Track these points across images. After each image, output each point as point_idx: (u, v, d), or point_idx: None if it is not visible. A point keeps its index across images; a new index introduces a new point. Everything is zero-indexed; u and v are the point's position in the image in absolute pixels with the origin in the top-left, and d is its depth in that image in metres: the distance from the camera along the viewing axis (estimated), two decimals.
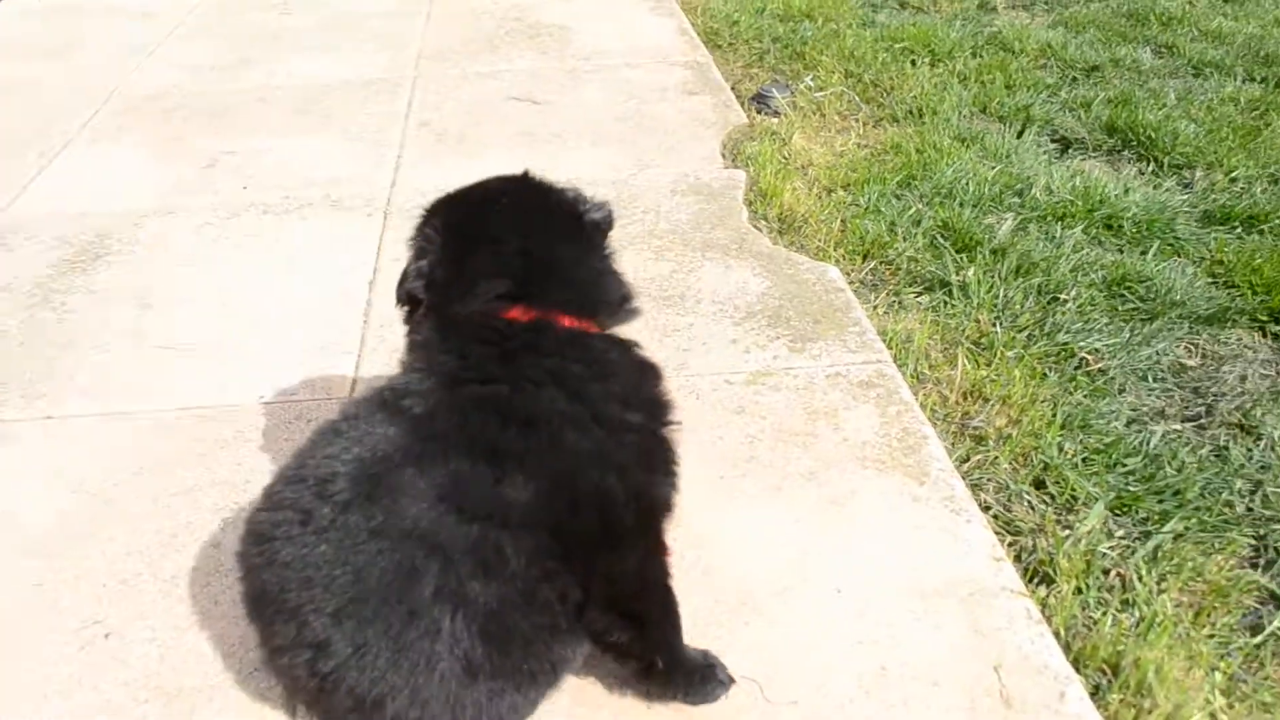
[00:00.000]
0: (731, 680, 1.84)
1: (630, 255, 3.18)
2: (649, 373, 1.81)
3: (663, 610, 1.77)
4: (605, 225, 1.91)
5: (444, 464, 1.57)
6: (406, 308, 1.86)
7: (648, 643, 1.75)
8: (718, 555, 2.12)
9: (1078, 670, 1.91)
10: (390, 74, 4.71)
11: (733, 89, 4.54)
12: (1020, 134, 4.18)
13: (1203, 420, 2.67)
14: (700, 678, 1.83)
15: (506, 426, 1.60)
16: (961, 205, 3.55)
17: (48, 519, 2.31)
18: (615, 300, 1.87)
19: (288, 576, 1.55)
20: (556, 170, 3.61)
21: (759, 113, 4.33)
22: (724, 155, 3.86)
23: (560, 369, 1.68)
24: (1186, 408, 2.73)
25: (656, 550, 1.74)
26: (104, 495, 2.37)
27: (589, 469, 1.62)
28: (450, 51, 4.92)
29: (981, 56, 4.94)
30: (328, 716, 1.62)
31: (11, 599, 2.11)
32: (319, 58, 4.97)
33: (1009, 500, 2.37)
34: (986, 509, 2.30)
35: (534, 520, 1.56)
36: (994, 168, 3.82)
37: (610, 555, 1.66)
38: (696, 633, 1.94)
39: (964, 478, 2.34)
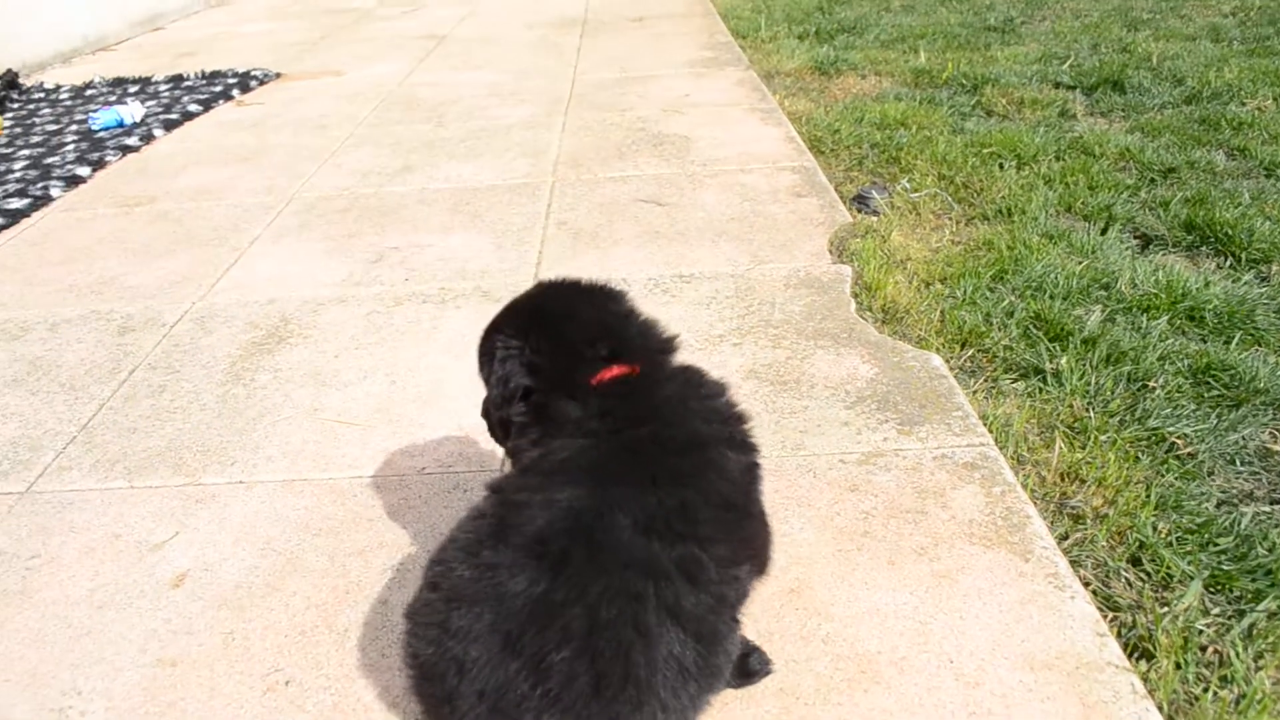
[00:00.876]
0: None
1: (749, 343, 3.18)
2: (726, 388, 1.90)
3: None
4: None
5: (636, 500, 1.62)
6: (521, 404, 1.87)
7: None
8: (837, 625, 2.07)
9: None
10: (531, 179, 4.81)
11: (836, 190, 4.53)
12: (1104, 231, 4.09)
13: None
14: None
15: (670, 456, 1.68)
16: (1051, 298, 3.47)
17: (239, 574, 2.37)
18: (669, 342, 1.93)
19: (526, 628, 1.54)
20: (682, 264, 3.68)
21: (859, 212, 4.31)
22: (831, 251, 3.84)
23: (680, 400, 1.78)
24: (1274, 490, 2.61)
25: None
26: (287, 554, 2.42)
27: (738, 477, 1.73)
28: (584, 159, 5.00)
29: (1064, 160, 4.86)
30: None
31: (208, 647, 2.15)
32: (469, 164, 5.10)
33: (1107, 577, 2.28)
34: (1086, 585, 2.21)
35: (719, 531, 1.65)
36: (1080, 263, 3.73)
37: (759, 544, 1.82)
38: (819, 698, 1.90)
39: (1064, 555, 2.27)
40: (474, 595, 1.60)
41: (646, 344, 1.88)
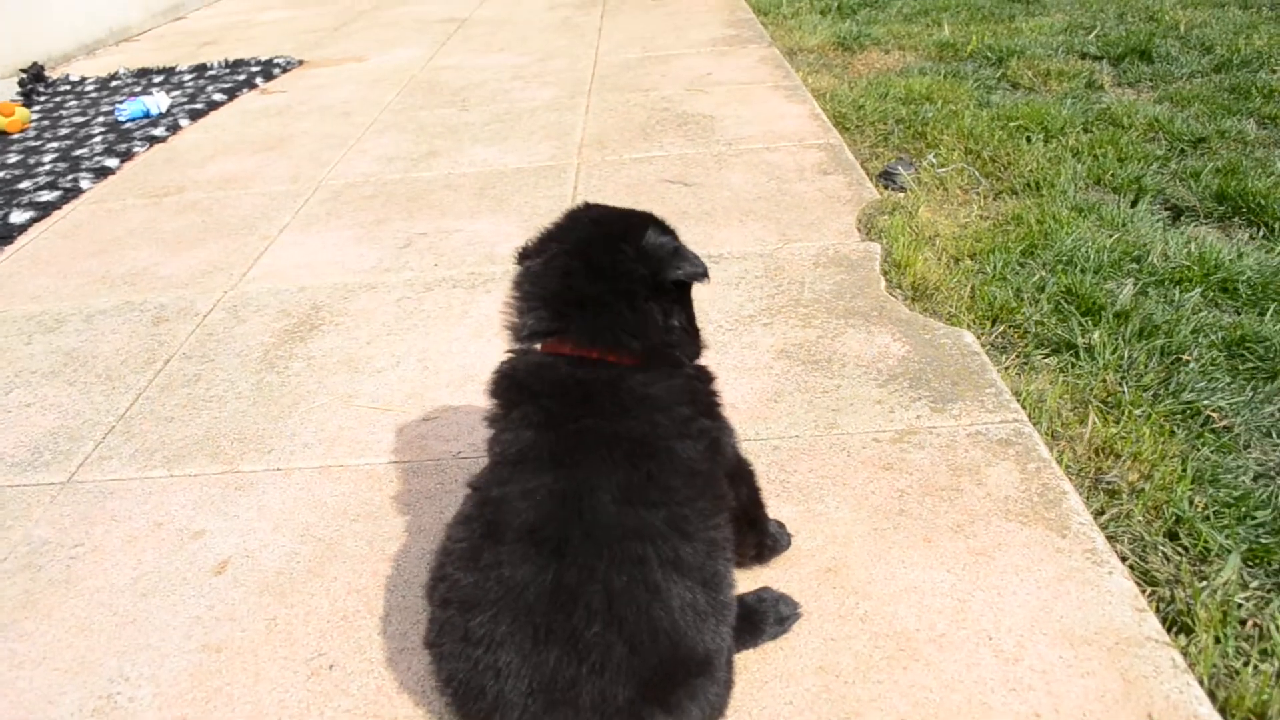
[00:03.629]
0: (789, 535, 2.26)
1: (779, 323, 3.17)
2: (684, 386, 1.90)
3: (761, 507, 2.13)
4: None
5: (607, 477, 1.67)
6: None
7: (761, 533, 2.15)
8: (874, 602, 2.08)
9: (1225, 718, 1.82)
10: (556, 161, 4.80)
11: (862, 167, 4.51)
12: (1134, 204, 4.05)
13: None
14: (782, 534, 2.23)
15: (616, 446, 1.73)
16: (1083, 272, 3.45)
17: (279, 560, 2.39)
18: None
19: (551, 616, 1.58)
20: (709, 244, 3.67)
21: (886, 189, 4.29)
22: (859, 229, 3.82)
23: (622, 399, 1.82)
24: None
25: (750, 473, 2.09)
26: (326, 540, 2.44)
27: (694, 454, 1.78)
28: (608, 140, 4.99)
29: (1092, 132, 4.81)
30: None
31: (252, 633, 2.18)
32: (494, 148, 5.10)
33: (1144, 552, 2.27)
34: (1124, 560, 2.21)
35: (691, 492, 1.72)
36: (1111, 236, 3.70)
37: (739, 489, 1.98)
38: (857, 675, 1.91)
39: (1101, 530, 2.26)
40: (486, 599, 1.63)
41: (597, 330, 1.85)
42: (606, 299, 1.84)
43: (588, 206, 2.02)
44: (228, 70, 7.67)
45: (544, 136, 5.20)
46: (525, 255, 1.94)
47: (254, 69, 7.56)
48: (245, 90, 7.08)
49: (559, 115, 5.56)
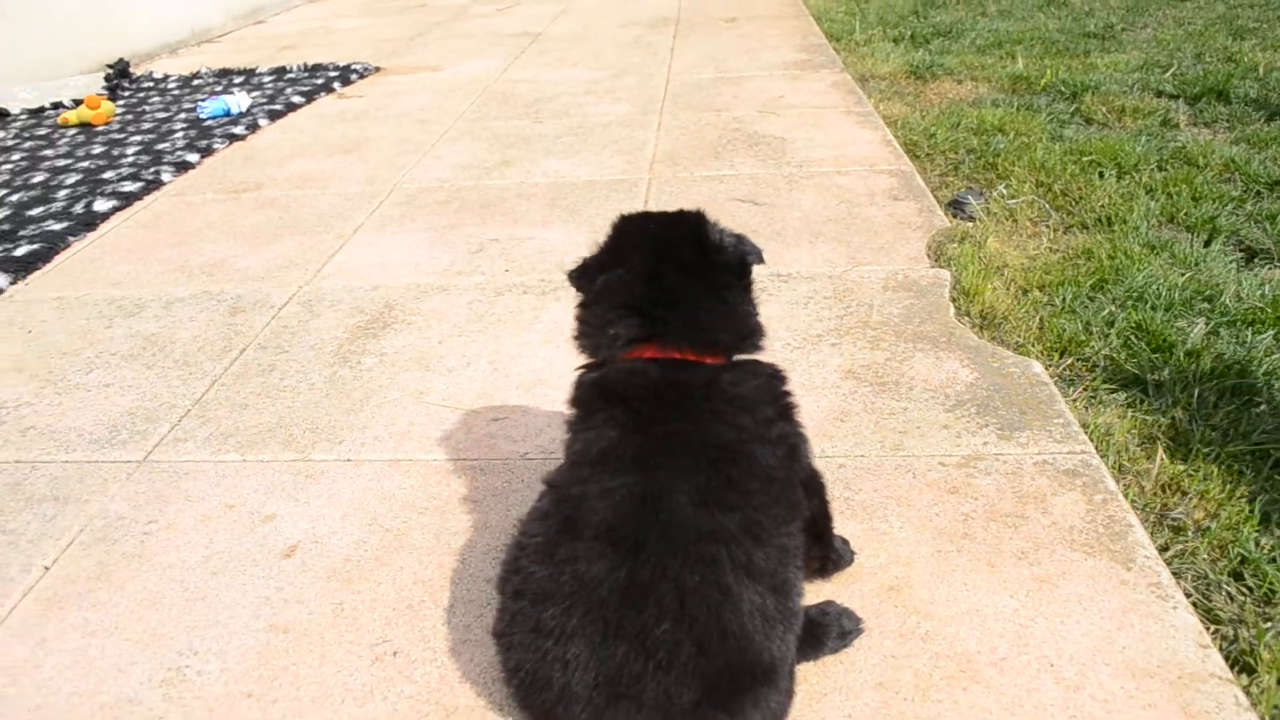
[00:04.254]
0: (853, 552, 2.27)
1: (847, 343, 3.19)
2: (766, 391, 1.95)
3: (828, 520, 2.14)
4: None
5: (686, 480, 1.72)
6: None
7: (826, 546, 2.15)
8: (936, 623, 2.08)
9: None
10: (628, 175, 4.86)
11: (932, 195, 4.51)
12: (1208, 243, 4.01)
13: None
14: (846, 550, 2.23)
15: (702, 451, 1.78)
16: (1153, 309, 3.42)
17: (347, 548, 2.45)
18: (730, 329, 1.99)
19: (623, 612, 1.62)
20: (778, 264, 3.69)
21: (955, 217, 4.29)
22: (929, 255, 3.83)
23: (711, 400, 1.87)
24: None
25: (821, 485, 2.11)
26: (394, 530, 2.49)
27: (773, 461, 1.82)
28: (680, 157, 5.04)
29: (1166, 170, 4.77)
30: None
31: (319, 616, 2.23)
32: (566, 160, 5.17)
33: (1208, 590, 2.26)
34: (1188, 596, 2.19)
35: (767, 498, 1.75)
36: (1183, 274, 3.67)
37: (810, 499, 2.00)
38: (917, 695, 1.91)
39: (1166, 565, 2.25)
40: (560, 592, 1.67)
41: (694, 329, 1.91)
42: (699, 296, 1.89)
43: (629, 217, 2.07)
44: (306, 74, 7.84)
45: (616, 151, 5.26)
46: (586, 273, 1.99)
47: (332, 74, 7.72)
48: (323, 94, 7.23)
49: (631, 131, 5.62)
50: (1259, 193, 4.52)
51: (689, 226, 1.99)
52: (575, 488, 1.78)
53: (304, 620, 2.23)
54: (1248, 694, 1.93)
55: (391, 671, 2.07)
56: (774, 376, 1.96)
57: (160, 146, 5.99)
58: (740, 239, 1.97)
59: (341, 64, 8.04)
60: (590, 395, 1.93)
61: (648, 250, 1.94)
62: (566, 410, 1.99)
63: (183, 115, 6.78)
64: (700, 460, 1.74)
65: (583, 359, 2.01)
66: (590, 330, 1.96)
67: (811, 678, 1.96)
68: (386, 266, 4.02)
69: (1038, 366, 3.02)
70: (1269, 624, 2.14)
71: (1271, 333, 3.30)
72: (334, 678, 2.06)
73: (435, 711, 1.96)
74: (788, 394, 1.96)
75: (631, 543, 1.65)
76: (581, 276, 2.00)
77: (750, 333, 1.97)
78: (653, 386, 1.84)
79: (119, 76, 8.05)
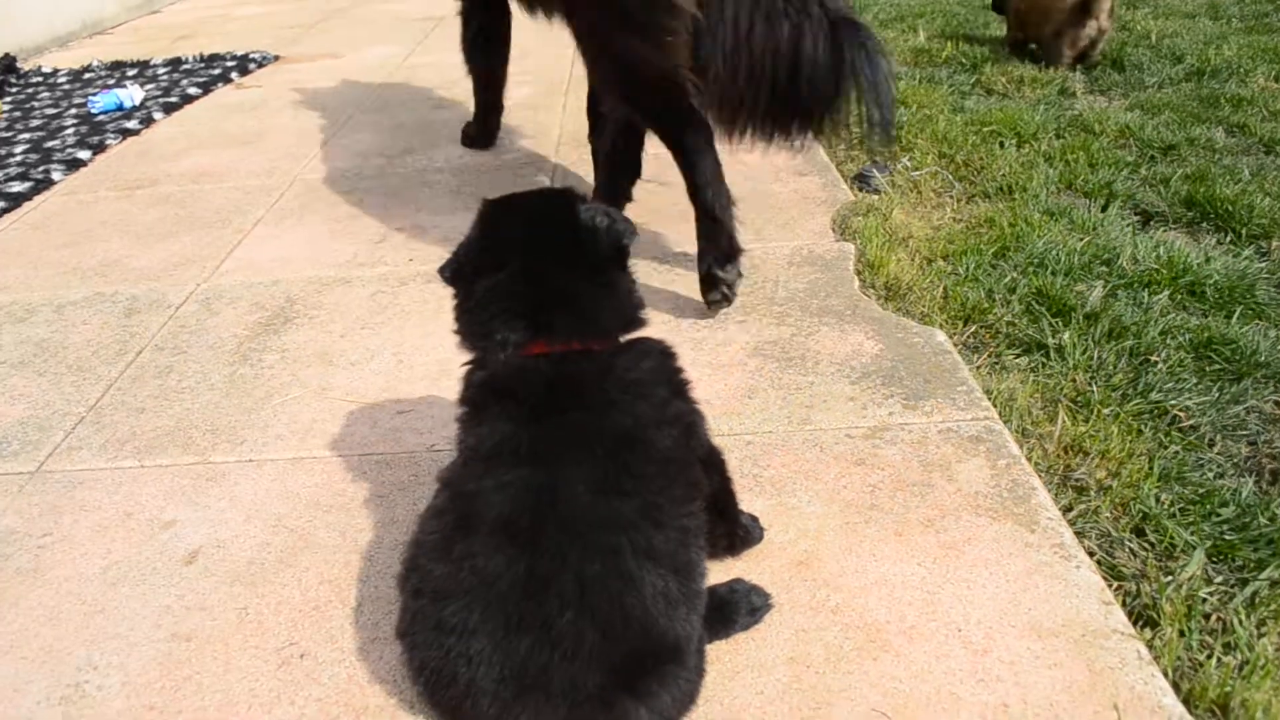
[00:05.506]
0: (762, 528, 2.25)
1: (753, 320, 3.19)
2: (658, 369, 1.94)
3: (732, 496, 2.14)
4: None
5: (582, 469, 1.70)
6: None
7: (731, 522, 2.14)
8: (845, 595, 2.09)
9: (1189, 710, 1.84)
10: (533, 159, 4.81)
11: (837, 169, 4.54)
12: (1105, 208, 4.10)
13: None
14: (754, 527, 2.22)
15: (598, 440, 1.77)
16: (1054, 274, 3.49)
17: (251, 551, 2.38)
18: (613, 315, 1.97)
19: (524, 605, 1.60)
20: (684, 244, 3.68)
21: (861, 191, 4.32)
22: (834, 230, 3.85)
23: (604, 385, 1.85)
24: (1276, 460, 2.63)
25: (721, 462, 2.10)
26: (298, 530, 2.44)
27: (670, 443, 1.80)
28: (585, 139, 4.97)
29: (1064, 138, 4.87)
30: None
31: (222, 622, 2.17)
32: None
33: (1111, 547, 2.31)
34: (1091, 555, 2.23)
35: (666, 481, 1.75)
36: (1082, 239, 3.75)
37: (711, 477, 2.00)
38: (829, 666, 1.92)
39: (1069, 526, 2.29)
40: (459, 589, 1.66)
41: (581, 321, 1.88)
42: (581, 286, 1.86)
43: (497, 204, 2.03)
44: (203, 65, 7.61)
45: (520, 135, 5.20)
46: (461, 272, 1.95)
47: (229, 64, 7.51)
48: (220, 85, 7.03)
49: (536, 114, 5.56)
50: (1153, 157, 4.63)
51: (560, 210, 1.95)
52: (470, 483, 1.76)
53: (207, 627, 2.16)
54: (1150, 648, 1.98)
55: (299, 674, 2.02)
56: (665, 354, 1.94)
57: (50, 144, 5.77)
58: (612, 218, 1.94)
59: (240, 53, 7.83)
60: (481, 393, 1.90)
61: (522, 244, 1.90)
62: (457, 408, 1.95)
63: (73, 111, 6.54)
64: (596, 449, 1.72)
65: (468, 355, 1.98)
66: (474, 333, 1.93)
67: (724, 656, 1.95)
68: (287, 260, 3.92)
69: (941, 335, 3.05)
70: (1169, 578, 2.20)
71: (1167, 293, 3.38)
72: (239, 684, 2.01)
73: (345, 713, 1.92)
74: (679, 370, 1.95)
75: (529, 535, 1.63)
76: (456, 276, 1.97)
77: (635, 311, 1.96)
78: (544, 380, 1.81)
79: (5, 72, 7.73)
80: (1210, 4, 7.42)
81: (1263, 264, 3.61)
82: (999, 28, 6.84)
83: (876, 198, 4.22)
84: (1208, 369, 2.98)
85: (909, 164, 4.55)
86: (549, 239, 1.90)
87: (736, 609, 2.01)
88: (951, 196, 4.29)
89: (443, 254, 3.83)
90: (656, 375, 1.87)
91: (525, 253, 1.89)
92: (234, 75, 7.23)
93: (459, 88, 6.17)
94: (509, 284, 1.87)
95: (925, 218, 4.06)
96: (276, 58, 7.72)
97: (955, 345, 3.05)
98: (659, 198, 4.18)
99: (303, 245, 4.05)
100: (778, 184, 4.28)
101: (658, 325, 3.09)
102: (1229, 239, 3.84)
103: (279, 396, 3.00)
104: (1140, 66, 5.94)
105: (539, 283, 1.87)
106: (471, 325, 1.93)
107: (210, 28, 9.34)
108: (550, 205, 2.00)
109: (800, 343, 3.05)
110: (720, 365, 2.95)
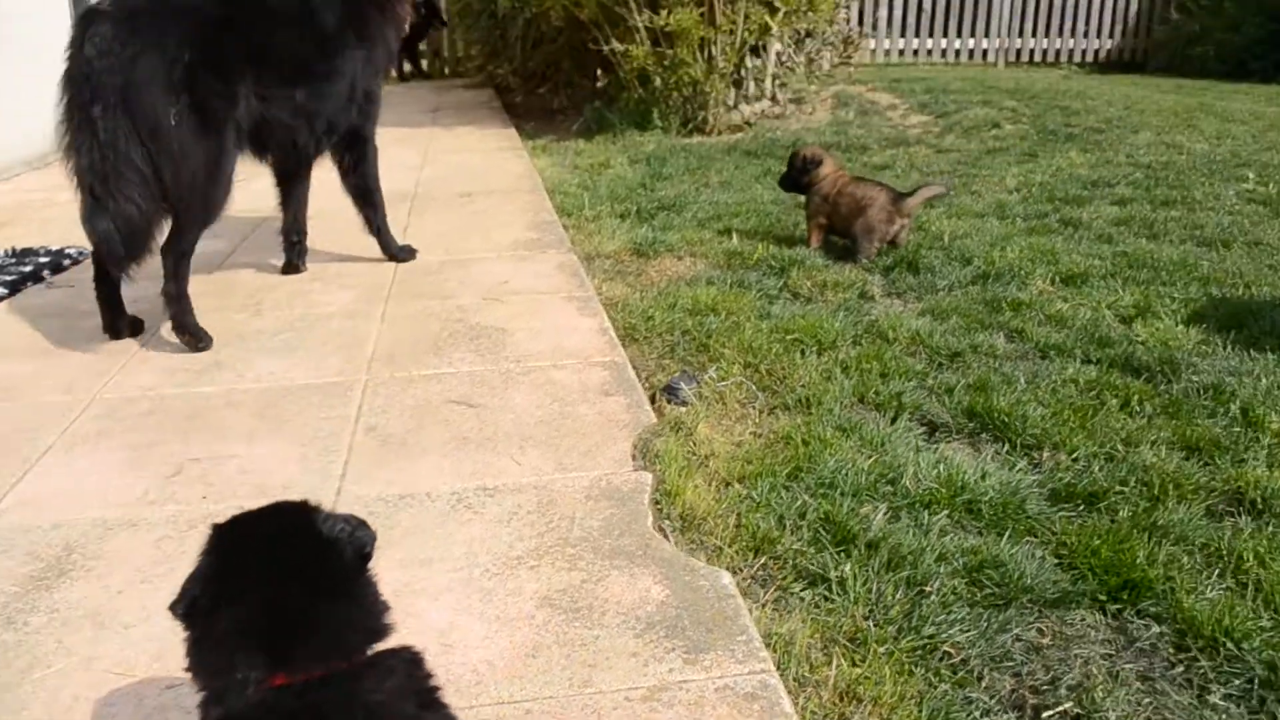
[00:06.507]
0: None
1: (545, 565, 3.21)
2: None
3: None
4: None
5: None
6: None
7: None
8: None
9: None
10: (344, 377, 4.79)
11: (646, 380, 4.69)
12: (894, 420, 4.32)
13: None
14: None
15: None
16: (842, 495, 3.63)
17: None
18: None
19: None
20: (486, 475, 3.71)
21: (670, 403, 4.46)
22: (635, 455, 3.94)
23: None
24: (1036, 694, 2.76)
25: None
26: None
27: None
28: (400, 354, 5.03)
29: (861, 345, 5.14)
30: None
31: None
32: (283, 359, 5.05)
33: None
34: None
35: None
36: (870, 457, 3.93)
37: None
38: None
39: None
40: None
41: (324, 645, 1.86)
42: (323, 608, 1.87)
43: (229, 528, 2.03)
44: (13, 260, 7.40)
45: (335, 348, 5.19)
46: (195, 608, 1.93)
47: (42, 259, 7.32)
48: (30, 283, 6.84)
49: (354, 323, 5.57)
50: (940, 364, 4.93)
51: (298, 527, 1.97)
52: None
53: None
54: None
55: None
56: (411, 664, 1.94)
57: None
58: (353, 525, 1.96)
59: (54, 248, 7.65)
60: None
61: (259, 573, 1.90)
62: None
63: None
64: None
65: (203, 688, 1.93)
66: (210, 669, 1.90)
67: None
68: (74, 496, 3.77)
69: (726, 578, 3.13)
70: None
71: (945, 512, 3.57)
72: None
73: None
74: (427, 678, 1.94)
75: None
76: (190, 613, 1.94)
77: (379, 621, 1.96)
78: (287, 715, 1.79)
79: None
80: (998, 203, 8.03)
81: (1035, 476, 3.85)
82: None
83: (684, 410, 4.36)
84: (979, 595, 3.13)
85: (714, 375, 4.73)
86: (288, 560, 1.91)
87: None
88: (755, 408, 4.47)
89: (239, 490, 3.82)
90: (402, 692, 1.87)
91: (262, 580, 1.88)
92: (46, 273, 7.04)
93: (279, 291, 6.21)
94: (247, 616, 1.86)
95: (728, 431, 4.22)
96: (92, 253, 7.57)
97: (744, 581, 3.14)
98: (467, 420, 4.23)
99: (93, 477, 3.92)
100: (584, 405, 4.38)
101: (452, 577, 3.10)
102: (1005, 449, 4.08)
103: (40, 668, 2.84)
104: (933, 269, 6.35)
105: (278, 612, 1.86)
106: (207, 660, 1.90)
107: (29, 214, 9.11)
108: (287, 522, 2.00)
109: (590, 590, 3.08)
110: (508, 620, 2.95)
